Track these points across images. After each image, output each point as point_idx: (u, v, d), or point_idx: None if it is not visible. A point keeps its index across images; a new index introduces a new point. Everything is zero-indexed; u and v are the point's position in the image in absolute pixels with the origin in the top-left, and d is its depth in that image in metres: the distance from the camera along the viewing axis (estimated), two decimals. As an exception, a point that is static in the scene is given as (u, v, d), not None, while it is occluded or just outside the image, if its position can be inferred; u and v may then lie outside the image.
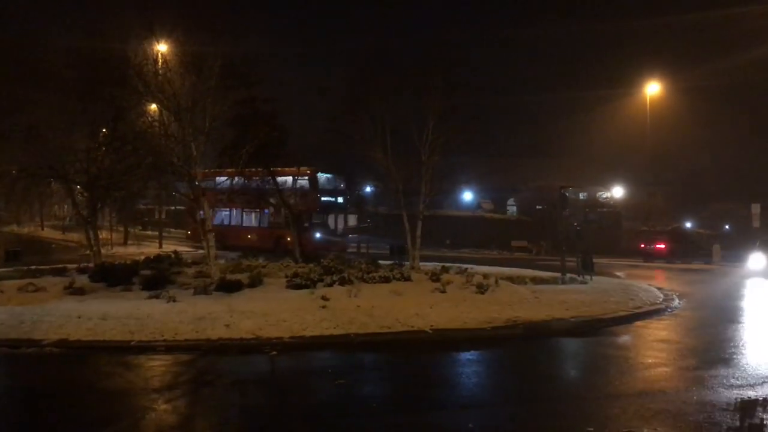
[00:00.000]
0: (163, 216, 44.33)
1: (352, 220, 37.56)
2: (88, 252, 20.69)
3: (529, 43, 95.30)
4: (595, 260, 21.49)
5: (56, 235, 47.95)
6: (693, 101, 51.19)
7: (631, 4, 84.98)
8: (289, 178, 31.28)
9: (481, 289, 15.95)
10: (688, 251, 35.49)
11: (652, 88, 43.91)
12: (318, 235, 32.31)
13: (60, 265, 20.06)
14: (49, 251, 33.18)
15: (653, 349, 11.56)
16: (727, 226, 44.92)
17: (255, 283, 16.23)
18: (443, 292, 15.77)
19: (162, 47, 17.48)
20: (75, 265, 19.86)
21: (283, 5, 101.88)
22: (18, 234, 39.75)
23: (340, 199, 34.76)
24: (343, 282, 16.12)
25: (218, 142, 19.55)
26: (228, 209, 34.91)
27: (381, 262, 20.63)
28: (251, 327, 11.72)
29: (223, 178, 24.63)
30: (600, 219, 46.61)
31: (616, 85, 72.54)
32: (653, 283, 21.07)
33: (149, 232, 46.99)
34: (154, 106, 18.19)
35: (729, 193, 47.46)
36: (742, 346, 11.99)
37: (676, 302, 17.25)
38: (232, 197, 28.78)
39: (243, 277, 16.87)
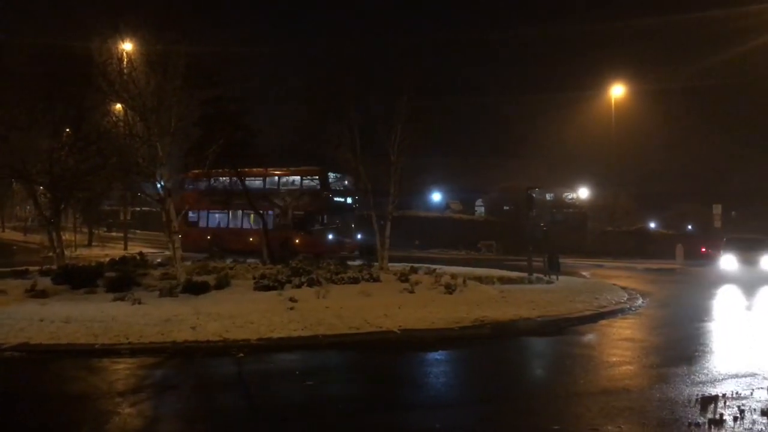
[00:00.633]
0: (129, 217, 43.63)
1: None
2: (50, 254, 20.31)
3: (498, 47, 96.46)
4: (561, 260, 21.81)
5: (18, 236, 47.15)
6: (656, 103, 52.53)
7: (599, 7, 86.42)
8: (297, 178, 30.94)
9: (450, 289, 16.05)
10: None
11: (617, 90, 44.71)
12: (330, 236, 31.86)
13: (21, 268, 19.60)
14: (10, 253, 32.51)
15: (618, 348, 11.74)
16: (689, 227, 45.82)
17: (222, 284, 16.07)
18: (412, 292, 15.83)
19: (127, 46, 17.20)
20: (37, 268, 19.46)
21: (254, 5, 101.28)
22: (-23, 236, 38.87)
23: (349, 199, 33.66)
24: (311, 283, 16.10)
25: (184, 142, 19.35)
26: (225, 211, 33.65)
27: (350, 263, 20.60)
28: (218, 329, 11.57)
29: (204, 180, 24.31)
30: (566, 219, 47.33)
31: (583, 88, 73.68)
32: (617, 283, 21.44)
33: (114, 234, 46.36)
34: (119, 106, 17.86)
35: (690, 194, 48.55)
36: (704, 344, 12.26)
37: (640, 301, 17.58)
38: (215, 198, 27.75)
39: (210, 278, 16.70)
